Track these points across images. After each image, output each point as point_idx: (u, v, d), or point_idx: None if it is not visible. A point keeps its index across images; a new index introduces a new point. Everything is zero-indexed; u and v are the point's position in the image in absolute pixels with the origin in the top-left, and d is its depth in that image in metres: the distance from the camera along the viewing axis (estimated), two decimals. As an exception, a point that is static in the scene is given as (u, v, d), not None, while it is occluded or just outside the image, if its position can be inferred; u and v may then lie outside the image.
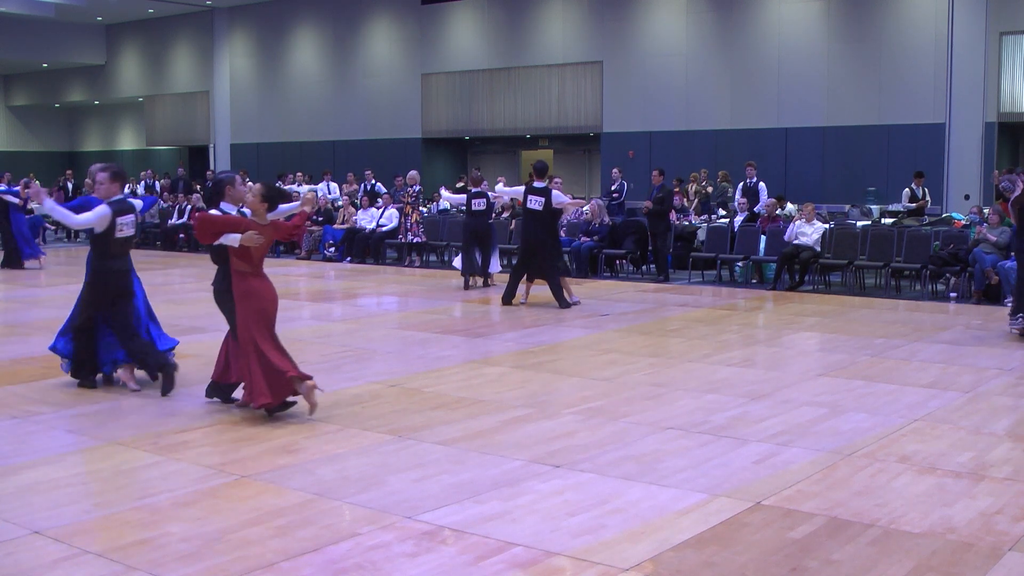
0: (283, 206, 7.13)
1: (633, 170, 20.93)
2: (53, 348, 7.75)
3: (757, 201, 16.30)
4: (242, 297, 6.67)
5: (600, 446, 6.00)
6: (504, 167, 27.42)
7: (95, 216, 7.37)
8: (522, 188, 12.50)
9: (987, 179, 17.86)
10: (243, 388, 6.79)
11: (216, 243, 6.63)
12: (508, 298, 12.22)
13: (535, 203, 12.04)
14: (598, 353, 9.07)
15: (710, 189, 19.17)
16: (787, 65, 20.43)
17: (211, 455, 5.83)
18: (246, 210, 6.86)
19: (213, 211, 6.95)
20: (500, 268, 14.40)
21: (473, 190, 14.10)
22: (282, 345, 6.76)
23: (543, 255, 12.02)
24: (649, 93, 22.10)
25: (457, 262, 14.38)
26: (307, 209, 7.13)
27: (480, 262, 13.87)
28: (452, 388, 7.62)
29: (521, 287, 12.31)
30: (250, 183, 7.59)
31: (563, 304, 11.94)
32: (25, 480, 5.40)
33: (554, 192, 12.17)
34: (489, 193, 14.11)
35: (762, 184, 16.85)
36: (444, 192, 15.53)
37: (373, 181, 20.75)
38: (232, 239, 6.54)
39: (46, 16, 28.84)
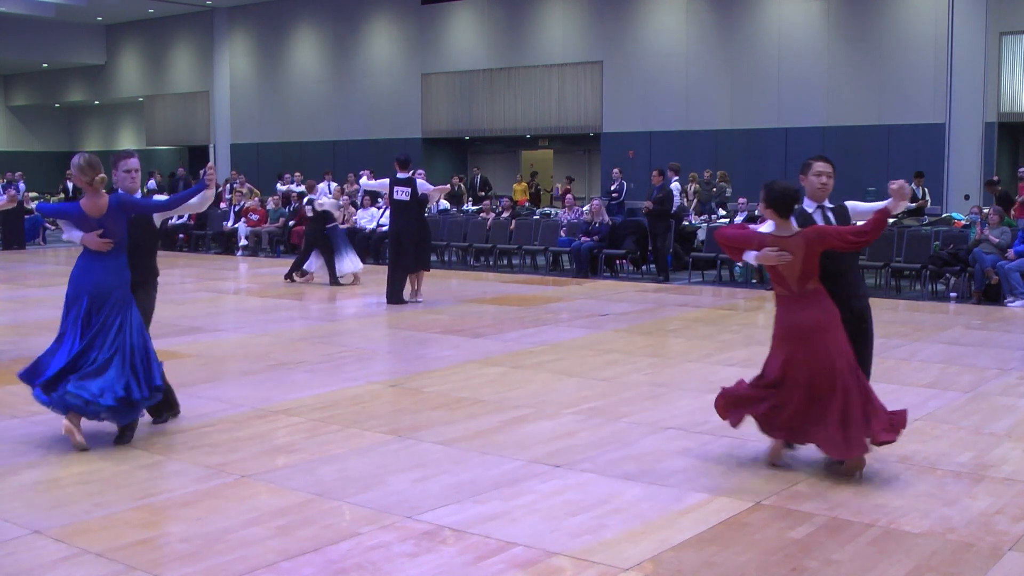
0: None
1: (633, 170, 20.93)
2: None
3: (671, 203, 16.00)
4: (777, 329, 5.48)
5: (600, 446, 6.00)
6: (504, 167, 27.44)
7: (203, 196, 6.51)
8: (386, 181, 12.75)
9: (987, 180, 17.85)
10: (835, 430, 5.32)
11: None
12: (394, 297, 12.32)
13: (402, 194, 12.28)
14: (598, 353, 9.07)
15: (714, 189, 19.19)
16: (787, 65, 20.43)
17: (211, 455, 5.83)
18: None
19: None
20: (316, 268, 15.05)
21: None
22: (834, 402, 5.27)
23: (411, 245, 12.29)
24: (649, 93, 22.10)
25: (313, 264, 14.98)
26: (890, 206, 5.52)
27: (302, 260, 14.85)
28: (452, 388, 7.61)
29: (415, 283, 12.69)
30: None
31: (395, 299, 12.22)
32: (25, 480, 5.39)
33: (419, 181, 12.47)
34: (315, 200, 15.00)
35: (675, 185, 16.75)
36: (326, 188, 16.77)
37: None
38: (749, 256, 5.46)
39: (46, 16, 28.85)
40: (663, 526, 4.68)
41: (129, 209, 6.12)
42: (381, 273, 14.32)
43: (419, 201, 12.46)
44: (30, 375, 6.07)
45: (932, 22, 18.82)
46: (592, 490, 5.20)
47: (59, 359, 5.93)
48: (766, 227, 5.48)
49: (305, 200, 15.42)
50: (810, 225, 5.45)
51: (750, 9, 20.86)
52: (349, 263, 14.78)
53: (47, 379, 5.91)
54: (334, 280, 14.68)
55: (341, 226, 19.07)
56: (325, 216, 14.80)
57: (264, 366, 8.52)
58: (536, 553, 4.35)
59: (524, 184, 24.82)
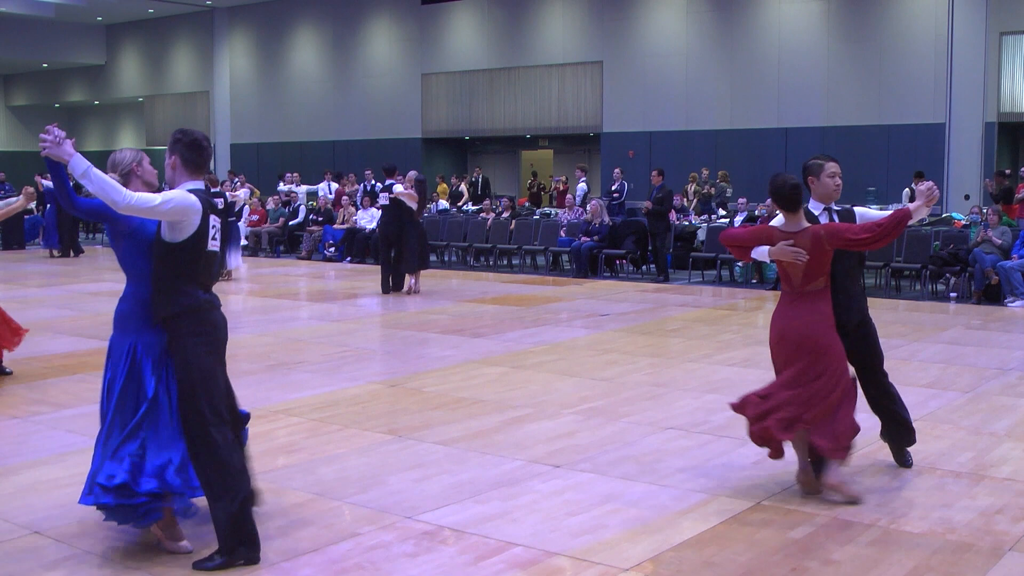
0: None
1: (633, 170, 20.94)
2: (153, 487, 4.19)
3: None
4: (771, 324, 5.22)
5: (600, 446, 6.00)
6: (504, 167, 27.44)
7: (172, 201, 4.19)
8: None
9: (997, 171, 17.84)
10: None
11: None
12: (386, 288, 13.20)
13: (385, 199, 13.40)
14: (598, 353, 9.07)
15: (712, 190, 19.18)
16: (787, 65, 20.43)
17: (211, 455, 5.82)
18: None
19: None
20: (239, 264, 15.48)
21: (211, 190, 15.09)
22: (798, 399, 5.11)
23: (400, 245, 13.09)
24: (649, 93, 22.10)
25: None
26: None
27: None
28: (452, 388, 7.61)
29: (411, 279, 13.33)
30: None
31: (386, 290, 13.10)
32: (25, 480, 5.39)
33: (395, 187, 13.18)
34: (227, 193, 15.24)
35: (580, 185, 18.31)
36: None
37: (373, 181, 20.74)
38: (760, 252, 5.12)
39: (46, 16, 28.86)
40: (663, 526, 4.68)
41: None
42: (379, 273, 14.29)
43: (401, 204, 13.02)
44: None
45: (932, 22, 18.82)
46: (592, 490, 5.20)
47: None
48: (775, 221, 5.28)
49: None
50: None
51: (750, 9, 20.87)
52: (233, 258, 14.96)
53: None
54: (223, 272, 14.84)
55: (340, 226, 19.16)
56: (230, 209, 14.95)
57: (264, 366, 8.52)
58: (536, 553, 4.35)
59: (444, 186, 23.83)
